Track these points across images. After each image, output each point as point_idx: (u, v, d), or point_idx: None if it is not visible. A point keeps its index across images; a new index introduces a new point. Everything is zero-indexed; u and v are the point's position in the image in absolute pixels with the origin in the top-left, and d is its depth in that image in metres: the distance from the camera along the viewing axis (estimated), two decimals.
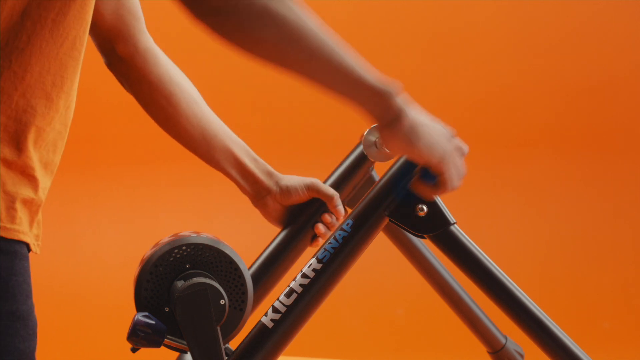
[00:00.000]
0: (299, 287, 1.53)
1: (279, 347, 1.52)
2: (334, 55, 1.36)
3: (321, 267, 1.52)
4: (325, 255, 1.53)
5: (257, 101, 3.16)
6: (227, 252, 1.55)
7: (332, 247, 1.53)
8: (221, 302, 1.50)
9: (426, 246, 2.03)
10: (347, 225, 1.53)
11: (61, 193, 3.02)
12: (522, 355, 2.12)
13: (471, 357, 2.27)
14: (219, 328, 1.49)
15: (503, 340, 1.95)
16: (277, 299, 1.54)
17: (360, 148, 1.91)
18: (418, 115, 1.42)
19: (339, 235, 1.53)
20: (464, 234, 1.55)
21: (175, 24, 2.95)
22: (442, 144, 1.43)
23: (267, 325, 1.53)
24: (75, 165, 3.12)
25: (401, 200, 1.53)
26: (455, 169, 1.45)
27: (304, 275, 1.53)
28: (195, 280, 1.50)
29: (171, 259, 1.54)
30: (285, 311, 1.52)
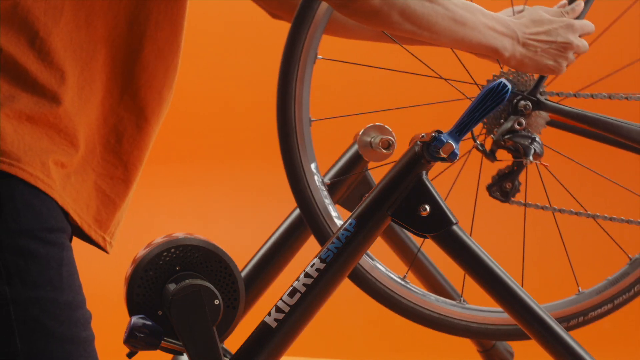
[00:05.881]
0: (302, 286, 1.53)
1: (282, 347, 1.52)
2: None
3: (324, 267, 1.52)
4: (329, 255, 1.52)
5: (257, 101, 3.15)
6: (216, 251, 1.55)
7: (335, 247, 1.52)
8: (215, 302, 1.50)
9: (415, 243, 2.03)
10: (350, 225, 1.53)
11: None
12: (511, 354, 2.12)
13: (471, 356, 2.27)
14: (215, 328, 1.49)
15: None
16: (280, 299, 1.53)
17: (355, 148, 1.91)
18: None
19: (342, 235, 1.52)
20: (466, 233, 1.55)
21: None
22: None
23: (271, 325, 1.52)
24: None
25: (404, 200, 1.52)
26: None
27: (307, 275, 1.53)
28: (188, 282, 1.49)
29: (160, 262, 1.53)
30: (289, 311, 1.52)
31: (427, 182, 1.53)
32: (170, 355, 1.96)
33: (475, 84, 1.73)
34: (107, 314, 2.54)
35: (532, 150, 1.62)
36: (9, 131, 1.32)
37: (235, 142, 3.60)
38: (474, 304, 1.82)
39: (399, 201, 1.52)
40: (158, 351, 1.56)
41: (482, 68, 1.75)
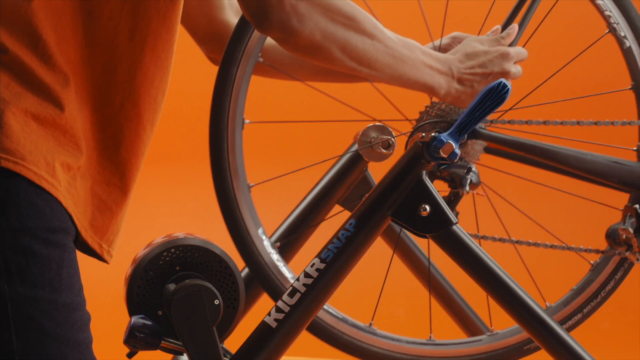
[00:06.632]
0: (302, 286, 1.52)
1: (282, 347, 1.52)
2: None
3: (324, 267, 1.52)
4: (329, 255, 1.52)
5: (255, 101, 3.16)
6: (216, 251, 1.55)
7: (335, 247, 1.52)
8: (215, 303, 1.50)
9: (419, 247, 2.03)
10: (350, 224, 1.53)
11: None
12: None
13: None
14: (215, 328, 1.49)
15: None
16: (280, 299, 1.53)
17: (355, 148, 1.91)
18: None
19: (342, 234, 1.52)
20: (466, 233, 1.55)
21: None
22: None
23: (271, 325, 1.52)
24: None
25: (404, 200, 1.52)
26: None
27: (307, 275, 1.53)
28: (188, 282, 1.49)
29: (160, 262, 1.53)
30: (289, 311, 1.52)
31: (427, 182, 1.53)
32: (170, 355, 1.96)
33: (407, 120, 1.74)
34: (107, 314, 2.54)
35: (469, 181, 1.62)
36: (15, 129, 1.32)
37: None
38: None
39: (399, 201, 1.52)
40: (158, 351, 1.56)
41: (409, 101, 1.76)
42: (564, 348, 1.54)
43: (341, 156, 1.96)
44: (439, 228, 1.53)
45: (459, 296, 2.09)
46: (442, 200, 1.53)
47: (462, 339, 1.80)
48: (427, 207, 1.52)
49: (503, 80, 1.48)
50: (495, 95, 1.48)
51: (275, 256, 1.65)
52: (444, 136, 1.49)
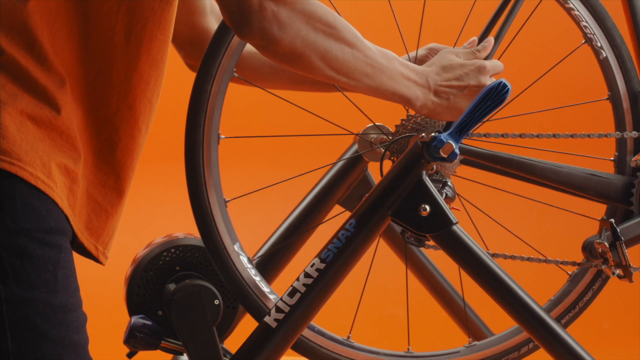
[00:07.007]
0: (302, 286, 1.52)
1: (282, 347, 1.52)
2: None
3: (324, 267, 1.52)
4: (329, 255, 1.52)
5: (255, 102, 3.16)
6: None
7: (335, 247, 1.52)
8: (215, 303, 1.50)
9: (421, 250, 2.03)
10: (350, 225, 1.52)
11: None
12: None
13: None
14: (215, 328, 1.49)
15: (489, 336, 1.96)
16: (280, 299, 1.53)
17: (355, 148, 1.91)
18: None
19: (342, 235, 1.52)
20: (466, 233, 1.55)
21: None
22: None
23: (271, 324, 1.52)
24: None
25: (404, 200, 1.52)
26: None
27: (307, 275, 1.53)
28: (188, 282, 1.49)
29: (160, 262, 1.53)
30: (289, 311, 1.52)
31: (427, 182, 1.53)
32: (170, 355, 1.97)
33: (384, 134, 1.74)
34: (107, 315, 2.54)
35: (444, 195, 1.62)
36: (11, 130, 1.32)
37: (234, 142, 3.61)
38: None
39: (399, 201, 1.52)
40: (158, 351, 1.56)
41: (385, 114, 1.76)
42: (564, 348, 1.54)
43: (335, 163, 1.96)
44: (439, 228, 1.53)
45: (458, 296, 2.09)
46: (442, 200, 1.53)
47: (439, 351, 1.79)
48: (427, 207, 1.52)
49: (503, 80, 1.48)
50: (495, 95, 1.48)
51: (252, 271, 1.65)
52: (444, 136, 1.49)
